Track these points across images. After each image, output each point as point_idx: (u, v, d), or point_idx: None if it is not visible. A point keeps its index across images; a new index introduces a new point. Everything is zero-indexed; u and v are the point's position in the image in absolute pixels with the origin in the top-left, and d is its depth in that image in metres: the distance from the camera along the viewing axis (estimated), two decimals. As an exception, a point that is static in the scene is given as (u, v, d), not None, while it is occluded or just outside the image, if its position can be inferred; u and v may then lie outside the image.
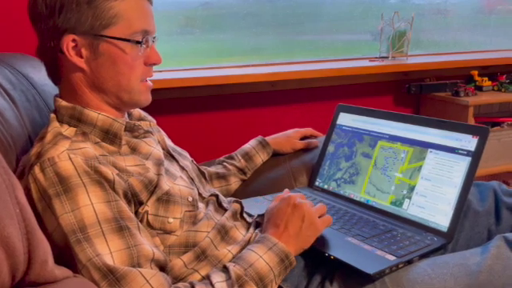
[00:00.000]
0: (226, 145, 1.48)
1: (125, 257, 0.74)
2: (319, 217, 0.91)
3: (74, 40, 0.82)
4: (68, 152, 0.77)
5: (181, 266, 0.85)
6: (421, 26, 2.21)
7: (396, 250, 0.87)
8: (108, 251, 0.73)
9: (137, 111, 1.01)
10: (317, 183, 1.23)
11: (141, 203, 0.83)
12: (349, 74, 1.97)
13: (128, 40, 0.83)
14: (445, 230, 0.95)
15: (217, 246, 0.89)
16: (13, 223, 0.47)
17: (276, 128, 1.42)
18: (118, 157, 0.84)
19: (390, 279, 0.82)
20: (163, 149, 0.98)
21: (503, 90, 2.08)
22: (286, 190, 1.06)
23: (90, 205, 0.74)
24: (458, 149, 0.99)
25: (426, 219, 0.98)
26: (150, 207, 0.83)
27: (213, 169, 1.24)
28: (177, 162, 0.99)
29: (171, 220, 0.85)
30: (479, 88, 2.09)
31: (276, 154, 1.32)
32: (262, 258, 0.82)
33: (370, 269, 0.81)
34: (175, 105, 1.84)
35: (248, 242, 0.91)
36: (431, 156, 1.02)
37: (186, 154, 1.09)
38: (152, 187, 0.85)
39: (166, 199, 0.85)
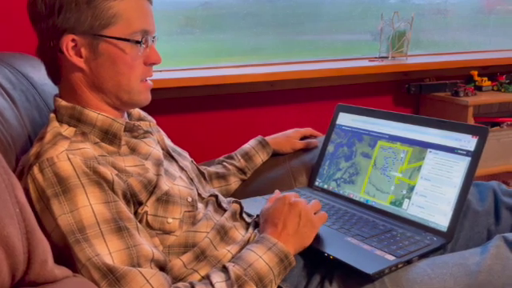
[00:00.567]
0: (225, 145, 1.48)
1: (124, 257, 0.74)
2: (314, 213, 0.91)
3: (73, 40, 0.82)
4: (67, 152, 0.77)
5: (180, 266, 0.85)
6: (420, 26, 2.21)
7: (395, 250, 0.87)
8: (107, 251, 0.73)
9: (136, 111, 1.01)
10: (316, 183, 1.24)
11: (140, 203, 0.83)
12: (348, 74, 1.97)
13: (128, 40, 0.83)
14: (444, 229, 0.95)
15: (216, 246, 0.89)
16: (12, 223, 0.47)
17: (275, 128, 1.42)
18: (118, 157, 0.84)
19: (390, 279, 0.82)
20: (163, 149, 0.98)
21: (503, 90, 2.08)
22: (277, 191, 1.06)
23: (89, 205, 0.74)
24: (458, 149, 0.99)
25: (425, 219, 0.98)
26: (149, 207, 0.83)
27: (212, 169, 1.24)
28: (176, 162, 0.99)
29: (170, 220, 0.85)
30: (479, 88, 2.09)
31: (276, 154, 1.32)
32: (261, 258, 0.82)
33: (369, 269, 0.81)
34: (174, 105, 1.84)
35: (247, 242, 0.91)
36: (431, 156, 1.02)
37: (186, 154, 1.09)
38: (151, 187, 0.85)
39: (166, 199, 0.85)
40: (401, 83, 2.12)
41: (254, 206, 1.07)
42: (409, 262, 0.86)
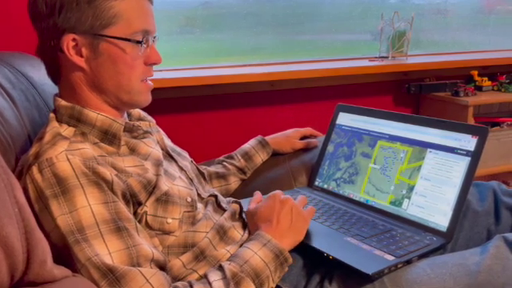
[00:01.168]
0: (224, 144, 1.48)
1: (124, 257, 0.74)
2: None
3: (74, 39, 0.82)
4: (66, 153, 0.77)
5: (180, 266, 0.85)
6: (420, 26, 2.21)
7: (395, 250, 0.87)
8: (107, 252, 0.73)
9: (136, 111, 1.01)
10: (316, 183, 1.23)
11: (139, 204, 0.83)
12: (348, 74, 1.97)
13: (128, 40, 0.83)
14: (444, 229, 0.95)
15: (215, 246, 0.89)
16: (11, 223, 0.47)
17: (275, 128, 1.42)
18: (117, 157, 0.84)
19: (389, 279, 0.82)
20: (162, 149, 0.98)
21: (503, 90, 2.08)
22: (257, 192, 1.04)
23: (88, 206, 0.74)
24: (458, 149, 0.99)
25: (425, 219, 0.98)
26: (148, 208, 0.83)
27: (212, 168, 1.24)
28: (176, 162, 0.99)
29: (170, 220, 0.85)
30: (479, 88, 2.09)
31: (276, 154, 1.32)
32: (256, 254, 0.83)
33: (368, 269, 0.81)
34: (174, 104, 1.84)
35: (247, 242, 0.91)
36: (431, 156, 1.02)
37: (186, 154, 1.09)
38: (151, 188, 0.84)
39: (165, 200, 0.85)
40: (401, 83, 2.12)
41: (254, 205, 1.07)
42: (408, 262, 0.86)
